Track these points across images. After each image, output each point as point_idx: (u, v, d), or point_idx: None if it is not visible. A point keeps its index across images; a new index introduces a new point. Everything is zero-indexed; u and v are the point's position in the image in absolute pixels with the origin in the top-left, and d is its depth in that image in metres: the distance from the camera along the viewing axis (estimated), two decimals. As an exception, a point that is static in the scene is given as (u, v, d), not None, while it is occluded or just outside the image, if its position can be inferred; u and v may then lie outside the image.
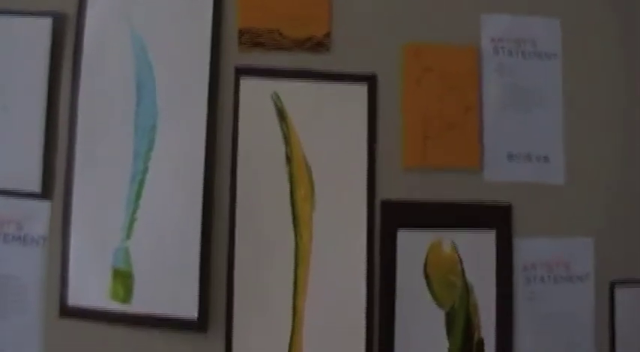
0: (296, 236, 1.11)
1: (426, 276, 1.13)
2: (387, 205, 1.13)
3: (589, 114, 1.19)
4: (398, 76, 1.15)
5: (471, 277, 1.13)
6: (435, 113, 1.15)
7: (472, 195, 1.15)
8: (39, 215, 1.14)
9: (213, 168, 1.11)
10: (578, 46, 1.20)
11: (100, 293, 1.11)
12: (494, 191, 1.15)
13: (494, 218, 1.15)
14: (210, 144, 1.11)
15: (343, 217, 1.12)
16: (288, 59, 1.14)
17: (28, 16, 1.15)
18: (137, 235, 1.11)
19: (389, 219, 1.13)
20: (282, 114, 1.13)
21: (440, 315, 1.12)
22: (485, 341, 1.13)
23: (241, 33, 1.14)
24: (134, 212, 1.11)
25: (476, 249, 1.14)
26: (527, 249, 1.15)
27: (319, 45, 1.14)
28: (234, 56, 1.14)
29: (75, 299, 1.12)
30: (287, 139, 1.13)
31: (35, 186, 1.13)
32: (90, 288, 1.12)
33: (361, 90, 1.14)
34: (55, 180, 1.14)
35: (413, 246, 1.13)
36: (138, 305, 1.10)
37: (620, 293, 1.17)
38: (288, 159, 1.12)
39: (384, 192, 1.13)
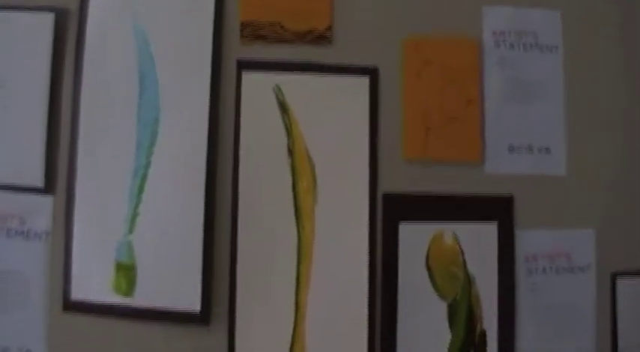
0: (298, 228, 1.11)
1: (428, 268, 1.13)
2: (388, 198, 1.13)
3: (590, 105, 1.19)
4: (399, 69, 1.16)
5: (472, 269, 1.14)
6: (435, 106, 1.15)
7: (474, 187, 1.15)
8: (42, 209, 1.14)
9: (216, 162, 1.12)
10: (579, 38, 1.20)
11: (103, 286, 1.11)
12: (496, 183, 1.16)
13: (496, 210, 1.15)
14: (212, 137, 1.11)
15: (345, 209, 1.12)
16: (290, 52, 1.14)
17: (30, 10, 1.15)
18: (140, 229, 1.11)
19: (391, 211, 1.13)
20: (283, 107, 1.13)
21: (442, 307, 1.13)
22: (487, 333, 1.13)
23: (243, 26, 1.14)
24: (137, 206, 1.12)
25: (477, 240, 1.14)
26: (528, 241, 1.15)
27: (321, 38, 1.15)
28: (236, 49, 1.14)
29: (78, 293, 1.12)
30: (289, 132, 1.13)
31: (38, 181, 1.14)
32: (93, 282, 1.12)
33: (363, 83, 1.14)
34: (57, 174, 1.14)
35: (415, 238, 1.13)
36: (141, 299, 1.10)
37: (622, 284, 1.17)
38: (290, 152, 1.12)
39: (386, 185, 1.14)
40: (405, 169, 1.14)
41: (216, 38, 1.13)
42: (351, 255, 1.12)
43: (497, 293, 1.14)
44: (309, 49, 1.14)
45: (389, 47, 1.16)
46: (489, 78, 1.17)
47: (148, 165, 1.12)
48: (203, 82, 1.12)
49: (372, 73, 1.15)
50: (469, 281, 1.13)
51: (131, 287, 1.11)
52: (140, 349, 1.12)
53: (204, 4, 1.14)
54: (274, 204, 1.12)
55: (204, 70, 1.12)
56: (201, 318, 1.09)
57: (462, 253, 1.14)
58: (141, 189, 1.12)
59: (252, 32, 1.14)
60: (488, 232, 1.14)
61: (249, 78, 1.13)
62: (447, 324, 1.12)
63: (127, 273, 1.11)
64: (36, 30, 1.14)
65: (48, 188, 1.14)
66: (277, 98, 1.13)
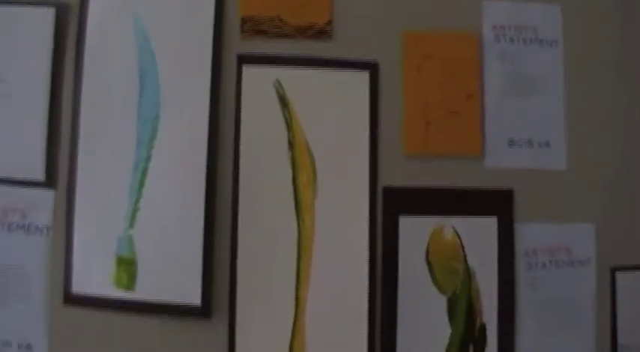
0: (298, 222, 1.12)
1: (428, 263, 1.13)
2: (388, 192, 1.13)
3: (590, 100, 1.19)
4: (400, 64, 1.16)
5: (472, 263, 1.14)
6: (436, 100, 1.15)
7: (474, 182, 1.15)
8: (43, 204, 1.15)
9: (216, 156, 1.12)
10: (579, 33, 1.20)
11: (103, 280, 1.12)
12: (496, 177, 1.16)
13: (496, 204, 1.15)
14: (212, 131, 1.12)
15: (345, 203, 1.12)
16: (290, 47, 1.14)
17: (31, 5, 1.15)
18: (140, 223, 1.12)
19: (391, 205, 1.13)
20: (284, 102, 1.13)
21: (442, 301, 1.13)
22: (487, 327, 1.13)
23: (243, 21, 1.14)
24: (137, 200, 1.12)
25: (477, 235, 1.14)
26: (528, 235, 1.15)
27: (321, 32, 1.15)
28: (237, 44, 1.14)
29: (79, 286, 1.13)
30: (289, 126, 1.13)
31: (39, 176, 1.14)
32: (94, 276, 1.12)
33: (363, 77, 1.14)
34: (58, 169, 1.15)
35: (415, 232, 1.13)
36: (141, 293, 1.11)
37: (621, 278, 1.17)
38: (291, 146, 1.13)
39: (386, 179, 1.14)
40: (405, 163, 1.15)
41: (216, 33, 1.13)
42: (351, 249, 1.12)
43: (497, 288, 1.14)
44: (309, 43, 1.15)
45: (389, 42, 1.16)
46: (489, 72, 1.17)
47: (148, 159, 1.12)
48: (204, 76, 1.13)
49: (372, 68, 1.15)
50: (469, 275, 1.14)
51: (132, 281, 1.11)
52: (141, 342, 1.12)
53: (205, 0, 1.14)
54: (274, 197, 1.12)
55: (204, 65, 1.13)
56: (202, 312, 1.10)
57: (462, 247, 1.14)
58: (141, 184, 1.12)
59: (253, 27, 1.14)
60: (488, 226, 1.15)
61: (249, 72, 1.13)
62: (446, 318, 1.13)
63: (127, 267, 1.11)
64: (37, 25, 1.14)
65: (49, 182, 1.14)
66: (277, 92, 1.13)
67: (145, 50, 1.14)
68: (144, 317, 1.11)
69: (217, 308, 1.11)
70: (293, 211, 1.12)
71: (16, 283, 1.14)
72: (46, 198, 1.15)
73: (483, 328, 1.13)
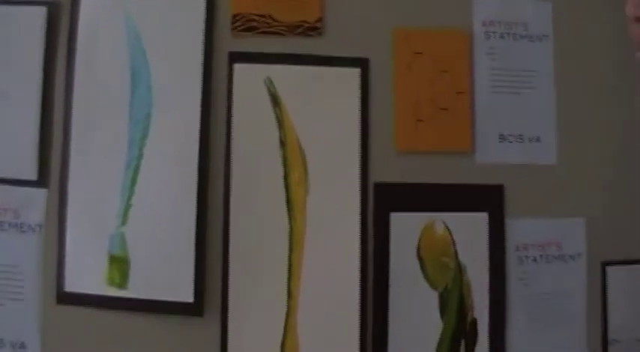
0: (290, 219, 1.12)
1: (420, 258, 1.14)
2: (379, 188, 1.14)
3: (581, 94, 1.20)
4: (390, 60, 1.16)
5: (464, 258, 1.14)
6: (426, 97, 1.16)
7: (464, 177, 1.16)
8: (35, 202, 1.14)
9: (208, 154, 1.12)
10: (570, 28, 1.20)
11: (96, 279, 1.12)
12: (487, 173, 1.16)
13: (487, 199, 1.16)
14: (204, 129, 1.12)
15: (337, 200, 1.13)
16: (281, 44, 1.14)
17: (22, 4, 1.15)
18: (133, 221, 1.11)
19: (382, 201, 1.13)
20: (275, 99, 1.14)
21: (433, 296, 1.13)
22: (478, 321, 1.14)
23: (234, 18, 1.15)
24: (129, 198, 1.12)
25: (469, 230, 1.15)
26: (519, 230, 1.16)
27: (312, 29, 1.15)
28: (228, 42, 1.14)
29: (72, 285, 1.12)
30: (280, 123, 1.13)
31: (31, 174, 1.14)
32: (86, 274, 1.12)
33: (354, 74, 1.15)
34: (51, 167, 1.14)
35: (406, 228, 1.14)
36: (134, 291, 1.11)
37: (612, 273, 1.18)
38: (282, 143, 1.13)
39: (377, 175, 1.14)
40: (396, 159, 1.15)
41: (207, 31, 1.13)
42: (342, 245, 1.12)
43: (488, 283, 1.14)
44: (300, 40, 1.15)
45: (379, 38, 1.16)
46: (480, 68, 1.18)
47: (140, 157, 1.12)
48: (195, 74, 1.13)
49: (363, 65, 1.15)
50: (460, 270, 1.14)
51: (124, 279, 1.11)
52: (134, 340, 1.12)
53: (195, -3, 1.14)
54: (266, 195, 1.12)
55: (195, 63, 1.13)
56: (195, 309, 1.10)
57: (454, 243, 1.15)
58: (134, 182, 1.12)
59: (243, 25, 1.15)
60: (479, 222, 1.15)
61: (240, 70, 1.13)
62: (438, 313, 1.13)
63: (120, 265, 1.11)
64: (28, 23, 1.14)
65: (41, 181, 1.14)
66: (269, 90, 1.14)
67: (136, 48, 1.14)
68: (136, 315, 1.11)
69: (210, 305, 1.11)
70: (285, 209, 1.12)
71: (9, 282, 1.14)
72: (38, 197, 1.14)
73: (474, 323, 1.14)
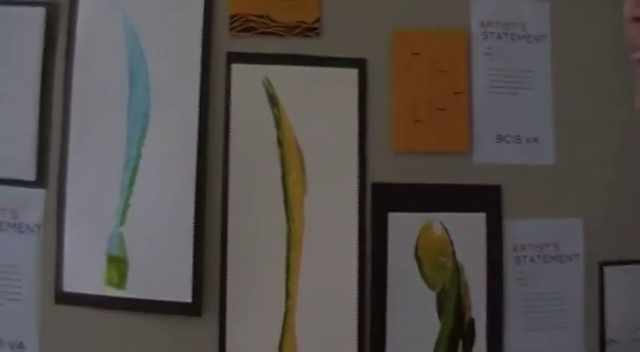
0: (288, 219, 1.12)
1: (417, 258, 1.14)
2: (377, 188, 1.14)
3: (578, 95, 1.20)
4: (388, 61, 1.16)
5: (461, 258, 1.14)
6: (424, 97, 1.16)
7: (462, 178, 1.16)
8: (34, 203, 1.15)
9: (206, 153, 1.12)
10: (568, 28, 1.20)
11: (95, 279, 1.12)
12: (484, 173, 1.16)
13: (484, 200, 1.16)
14: (202, 129, 1.12)
15: (334, 200, 1.13)
16: (279, 45, 1.15)
17: (21, 5, 1.15)
18: (131, 221, 1.12)
19: (380, 201, 1.14)
20: (273, 100, 1.14)
21: (431, 296, 1.14)
22: (476, 321, 1.14)
23: (232, 19, 1.15)
24: (128, 198, 1.12)
25: (466, 230, 1.15)
26: (517, 230, 1.16)
27: (309, 30, 1.15)
28: (226, 42, 1.14)
29: (70, 285, 1.13)
30: (278, 123, 1.13)
31: (30, 175, 1.14)
32: (85, 275, 1.12)
33: (352, 74, 1.15)
34: (49, 167, 1.15)
35: (404, 228, 1.14)
36: (132, 291, 1.11)
37: (610, 273, 1.18)
38: (280, 143, 1.13)
39: (375, 175, 1.14)
40: (394, 160, 1.15)
41: (205, 31, 1.13)
42: (340, 245, 1.12)
43: (485, 283, 1.14)
44: (297, 41, 1.15)
45: (377, 39, 1.16)
46: (477, 69, 1.18)
47: (138, 156, 1.12)
48: (193, 74, 1.13)
49: (361, 65, 1.15)
50: (458, 270, 1.14)
51: (122, 279, 1.11)
52: (132, 340, 1.12)
53: (194, -2, 1.14)
54: (264, 195, 1.12)
55: (194, 63, 1.13)
56: (193, 309, 1.10)
57: (451, 243, 1.15)
58: (132, 181, 1.12)
59: (241, 25, 1.15)
60: (476, 222, 1.15)
61: (238, 70, 1.14)
62: (435, 313, 1.13)
63: (118, 265, 1.11)
64: (27, 24, 1.14)
65: (40, 181, 1.14)
66: (267, 90, 1.14)
67: (134, 48, 1.14)
68: (135, 315, 1.12)
69: (208, 305, 1.11)
70: (283, 208, 1.12)
71: (8, 282, 1.14)
72: (36, 197, 1.15)
73: (472, 323, 1.14)
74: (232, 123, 1.13)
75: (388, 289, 1.13)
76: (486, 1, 1.19)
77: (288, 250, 1.12)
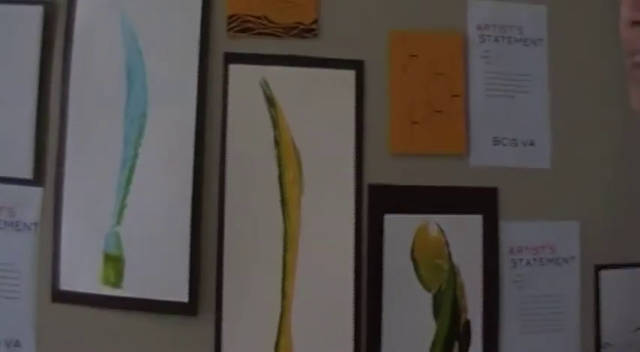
0: (284, 219, 1.12)
1: (414, 260, 1.14)
2: (374, 189, 1.14)
3: (575, 99, 1.20)
4: (385, 63, 1.17)
5: (457, 260, 1.15)
6: (421, 99, 1.16)
7: (458, 180, 1.16)
8: (31, 201, 1.15)
9: (203, 153, 1.12)
10: (565, 31, 1.21)
11: (91, 278, 1.12)
12: (481, 175, 1.17)
13: (481, 202, 1.16)
14: (199, 129, 1.12)
15: (331, 201, 1.13)
16: (277, 46, 1.15)
17: (19, 3, 1.15)
18: (128, 220, 1.12)
19: (376, 203, 1.14)
20: (270, 100, 1.14)
21: (427, 298, 1.14)
22: (471, 323, 1.14)
23: (230, 19, 1.15)
24: (124, 197, 1.12)
25: (463, 232, 1.15)
26: (513, 233, 1.16)
27: (307, 31, 1.15)
28: (223, 43, 1.15)
29: (67, 284, 1.12)
30: (275, 124, 1.14)
31: (27, 173, 1.14)
32: (81, 273, 1.12)
33: (349, 76, 1.15)
34: (46, 166, 1.15)
35: (400, 230, 1.14)
36: (129, 290, 1.11)
37: (605, 277, 1.18)
38: (277, 143, 1.13)
39: (372, 177, 1.14)
40: (391, 161, 1.15)
41: (203, 31, 1.14)
42: (336, 246, 1.13)
43: (481, 285, 1.15)
44: (295, 42, 1.15)
45: (375, 41, 1.16)
46: (474, 71, 1.18)
47: (135, 156, 1.12)
48: (191, 75, 1.13)
49: (358, 67, 1.15)
50: (454, 272, 1.15)
51: (119, 278, 1.11)
52: (128, 339, 1.12)
53: (192, -1, 1.15)
54: (261, 195, 1.12)
55: (191, 63, 1.13)
56: (189, 309, 1.10)
57: (447, 245, 1.15)
58: (129, 181, 1.12)
59: (239, 25, 1.15)
60: (473, 224, 1.15)
61: (236, 71, 1.14)
62: (431, 315, 1.14)
63: (114, 264, 1.11)
64: (25, 22, 1.15)
65: (37, 180, 1.14)
66: (264, 91, 1.14)
67: (132, 48, 1.14)
68: (131, 314, 1.12)
69: (204, 305, 1.11)
70: (279, 208, 1.12)
71: (4, 280, 1.14)
72: (34, 196, 1.15)
73: (468, 324, 1.14)
74: (229, 123, 1.13)
75: (384, 290, 1.13)
76: (484, 4, 1.19)
77: (285, 250, 1.12)
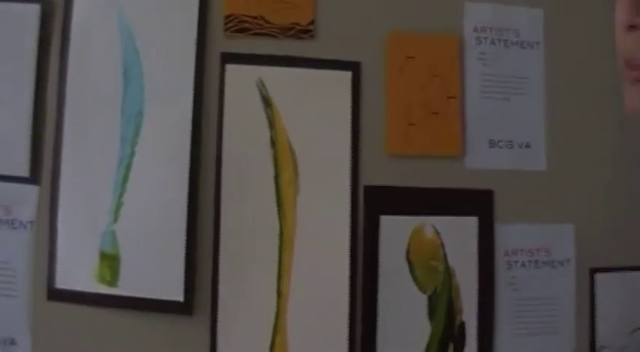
0: (280, 219, 1.12)
1: (409, 261, 1.14)
2: (370, 191, 1.14)
3: (571, 101, 1.20)
4: (382, 64, 1.17)
5: (453, 262, 1.15)
6: (418, 101, 1.16)
7: (454, 182, 1.16)
8: (27, 199, 1.15)
9: (199, 153, 1.12)
10: (561, 35, 1.21)
11: (87, 276, 1.12)
12: (476, 177, 1.17)
13: (476, 204, 1.16)
14: (196, 128, 1.12)
15: (327, 201, 1.13)
16: (273, 46, 1.15)
17: (16, 1, 1.15)
18: (124, 219, 1.12)
19: (372, 204, 1.14)
20: (267, 101, 1.14)
21: (422, 299, 1.14)
22: (466, 325, 1.14)
23: (227, 19, 1.15)
24: (121, 196, 1.12)
25: (458, 234, 1.15)
26: (508, 235, 1.16)
27: (304, 32, 1.15)
28: (220, 43, 1.15)
29: (63, 282, 1.13)
30: (272, 124, 1.14)
31: (23, 171, 1.14)
32: (77, 271, 1.13)
33: (345, 77, 1.15)
34: (43, 164, 1.15)
35: (396, 231, 1.14)
36: (124, 288, 1.11)
37: (601, 280, 1.18)
38: (273, 143, 1.13)
39: (368, 178, 1.15)
40: (387, 163, 1.15)
41: (200, 32, 1.14)
42: (332, 246, 1.13)
43: (477, 287, 1.15)
44: (292, 43, 1.15)
45: (372, 42, 1.16)
46: (471, 73, 1.18)
47: (132, 155, 1.12)
48: (187, 74, 1.13)
49: (355, 68, 1.15)
50: (449, 274, 1.15)
51: (115, 276, 1.11)
52: (123, 338, 1.12)
53: (189, -2, 1.15)
54: (257, 194, 1.12)
55: (188, 63, 1.13)
56: (185, 308, 1.10)
57: (443, 246, 1.15)
58: (125, 179, 1.12)
59: (236, 26, 1.15)
60: (468, 226, 1.16)
61: (232, 71, 1.14)
62: (426, 316, 1.14)
63: (110, 263, 1.12)
64: (22, 20, 1.15)
65: (33, 178, 1.15)
66: (260, 91, 1.14)
67: (129, 47, 1.14)
68: (126, 313, 1.12)
69: (200, 304, 1.11)
70: (275, 208, 1.12)
71: (0, 278, 1.14)
72: (30, 194, 1.15)
73: (463, 326, 1.14)
74: (226, 123, 1.13)
75: (379, 291, 1.13)
76: (481, 6, 1.19)
77: (281, 250, 1.12)
